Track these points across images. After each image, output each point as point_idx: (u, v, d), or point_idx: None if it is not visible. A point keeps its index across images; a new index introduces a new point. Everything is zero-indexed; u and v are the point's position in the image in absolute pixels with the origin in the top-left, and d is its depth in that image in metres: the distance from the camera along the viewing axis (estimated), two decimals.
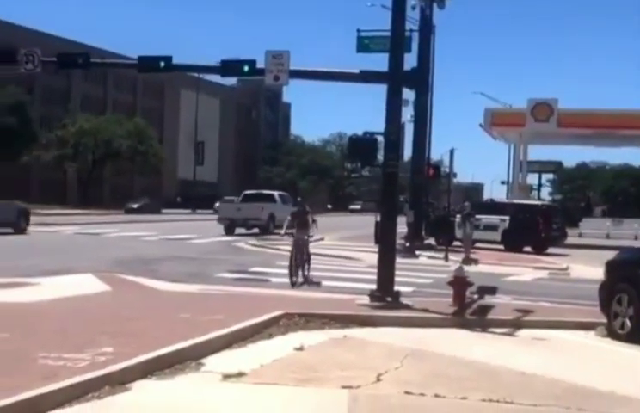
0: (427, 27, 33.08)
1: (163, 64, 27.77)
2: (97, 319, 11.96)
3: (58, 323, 11.62)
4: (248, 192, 46.10)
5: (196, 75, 76.65)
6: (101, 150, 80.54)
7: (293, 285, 18.27)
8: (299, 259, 18.95)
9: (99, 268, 20.29)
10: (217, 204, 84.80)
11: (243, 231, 41.04)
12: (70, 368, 8.47)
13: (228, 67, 27.91)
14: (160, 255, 26.00)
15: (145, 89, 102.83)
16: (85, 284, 16.78)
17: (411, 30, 30.13)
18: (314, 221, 20.33)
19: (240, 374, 9.12)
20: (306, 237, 19.34)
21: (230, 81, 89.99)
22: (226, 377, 9.01)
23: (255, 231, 40.79)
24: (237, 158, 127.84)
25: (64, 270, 19.73)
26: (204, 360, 9.83)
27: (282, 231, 20.72)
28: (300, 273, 18.90)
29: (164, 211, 76.20)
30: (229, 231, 41.24)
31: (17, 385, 7.57)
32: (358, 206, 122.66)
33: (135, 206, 74.03)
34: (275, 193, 47.00)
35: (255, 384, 8.83)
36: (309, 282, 18.86)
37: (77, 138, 78.50)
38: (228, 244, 33.42)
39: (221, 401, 8.14)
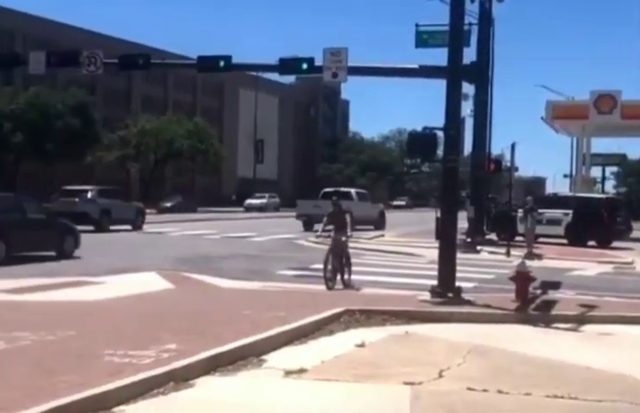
0: (486, 21, 32.78)
1: (222, 63, 28.04)
2: (161, 317, 12.14)
3: (123, 320, 11.83)
4: (327, 189, 47.00)
5: (255, 74, 77.11)
6: (162, 149, 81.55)
7: (329, 288, 16.94)
8: (337, 262, 17.54)
9: (162, 267, 20.58)
10: (247, 201, 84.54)
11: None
12: (135, 365, 8.61)
13: (286, 65, 28.03)
14: (222, 253, 26.26)
15: (205, 88, 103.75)
16: (149, 282, 17.05)
17: (470, 24, 29.91)
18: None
19: (301, 370, 9.16)
20: (344, 238, 17.84)
21: (289, 79, 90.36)
22: (288, 373, 9.06)
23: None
24: (296, 156, 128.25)
25: (128, 269, 20.07)
26: (266, 357, 9.90)
27: (318, 232, 19.11)
28: (339, 278, 17.56)
29: (201, 208, 76.39)
30: (307, 226, 42.16)
31: (84, 382, 7.72)
32: (402, 202, 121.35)
33: (168, 204, 74.46)
34: (352, 190, 48.00)
35: (316, 380, 8.85)
36: (349, 288, 17.46)
37: (139, 139, 79.65)
38: (289, 242, 33.58)
39: (283, 397, 8.18)
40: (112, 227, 37.64)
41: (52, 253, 22.94)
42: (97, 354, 9.12)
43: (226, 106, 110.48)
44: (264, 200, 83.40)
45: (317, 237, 19.65)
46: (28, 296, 14.22)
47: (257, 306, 13.38)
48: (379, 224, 45.85)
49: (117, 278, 17.73)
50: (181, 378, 8.44)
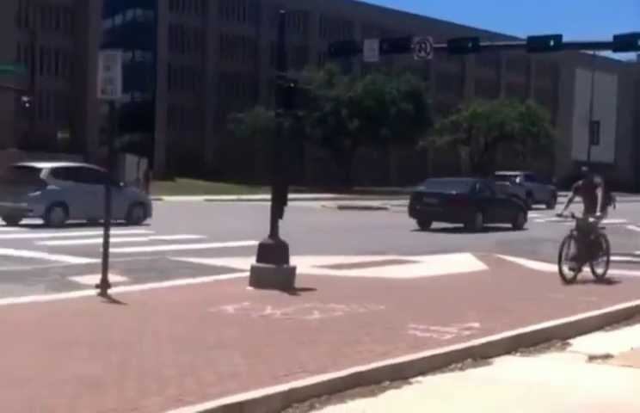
0: None
1: (552, 42, 27.43)
2: (469, 296, 12.33)
3: (431, 297, 12.19)
4: None
5: (591, 52, 74.14)
6: (493, 133, 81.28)
7: (566, 280, 14.09)
8: (582, 248, 14.40)
9: (479, 248, 20.61)
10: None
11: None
12: (435, 340, 8.91)
13: (621, 42, 26.78)
14: (543, 237, 25.65)
15: (538, 69, 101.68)
16: (463, 262, 17.29)
17: None
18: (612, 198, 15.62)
19: (607, 356, 8.88)
20: (592, 219, 14.75)
21: (630, 56, 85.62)
22: (592, 358, 8.84)
23: None
24: (637, 138, 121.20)
25: (447, 249, 20.44)
26: (571, 341, 9.73)
27: (562, 209, 15.62)
28: (590, 268, 14.60)
29: None
30: None
31: (386, 352, 8.19)
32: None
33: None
34: None
35: (620, 366, 8.54)
36: (602, 282, 14.42)
37: (471, 122, 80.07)
38: (619, 227, 31.94)
39: (582, 380, 8.01)
40: (533, 206, 41.73)
41: (509, 225, 28.60)
42: (402, 327, 9.54)
43: (561, 86, 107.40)
44: None
45: (558, 215, 16.08)
46: (347, 272, 15.10)
47: (569, 291, 13.10)
48: None
49: (434, 257, 18.16)
50: (479, 355, 8.58)
